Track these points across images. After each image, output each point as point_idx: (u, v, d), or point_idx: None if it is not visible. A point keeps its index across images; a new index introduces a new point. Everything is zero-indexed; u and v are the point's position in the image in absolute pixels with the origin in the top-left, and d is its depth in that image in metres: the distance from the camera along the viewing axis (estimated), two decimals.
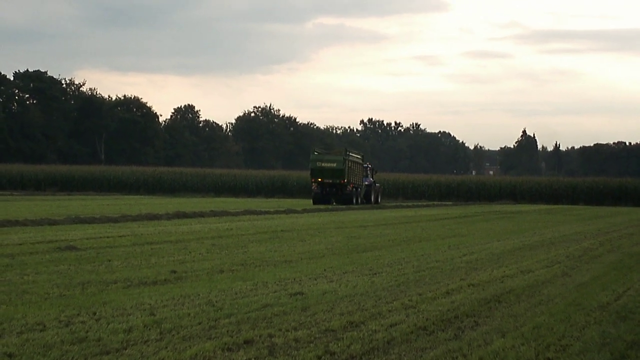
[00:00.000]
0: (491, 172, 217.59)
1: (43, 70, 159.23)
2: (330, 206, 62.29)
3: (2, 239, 25.74)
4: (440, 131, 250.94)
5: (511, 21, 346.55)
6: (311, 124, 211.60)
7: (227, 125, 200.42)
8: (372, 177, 73.17)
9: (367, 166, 72.85)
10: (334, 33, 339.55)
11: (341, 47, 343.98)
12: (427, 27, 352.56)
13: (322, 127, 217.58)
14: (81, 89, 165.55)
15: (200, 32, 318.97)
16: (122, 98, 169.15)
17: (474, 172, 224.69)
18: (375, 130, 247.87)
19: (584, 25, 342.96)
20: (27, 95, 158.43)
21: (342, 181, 65.67)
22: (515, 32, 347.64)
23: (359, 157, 71.28)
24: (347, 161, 66.10)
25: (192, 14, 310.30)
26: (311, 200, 68.41)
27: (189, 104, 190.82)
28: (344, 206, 63.22)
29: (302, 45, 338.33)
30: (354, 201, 66.81)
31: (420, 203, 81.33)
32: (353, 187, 66.90)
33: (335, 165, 65.86)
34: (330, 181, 65.95)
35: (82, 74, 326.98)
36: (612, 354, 11.39)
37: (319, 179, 66.49)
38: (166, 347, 11.06)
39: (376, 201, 72.44)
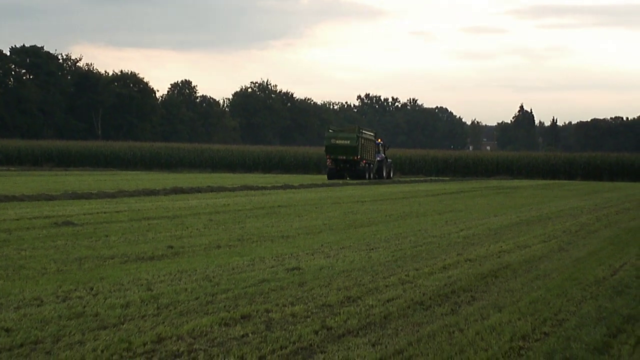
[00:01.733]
0: (488, 148, 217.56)
1: (40, 46, 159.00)
2: (327, 182, 62.38)
3: None
4: (437, 106, 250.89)
5: None
6: (308, 99, 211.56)
7: (224, 101, 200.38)
8: (384, 153, 75.43)
9: (380, 143, 75.25)
10: (330, 8, 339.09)
11: (337, 23, 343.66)
12: (423, 3, 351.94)
13: (319, 102, 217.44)
14: (78, 64, 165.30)
15: (196, 7, 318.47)
16: (119, 73, 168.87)
17: (471, 148, 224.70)
18: (372, 106, 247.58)
19: (580, 0, 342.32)
20: (23, 71, 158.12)
21: (355, 157, 68.49)
22: (511, 7, 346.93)
23: (371, 134, 73.91)
24: (360, 138, 68.88)
25: None
26: (307, 176, 70.26)
27: (185, 80, 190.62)
28: (340, 181, 63.36)
29: (298, 21, 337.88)
30: (367, 176, 69.66)
31: (417, 178, 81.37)
32: (366, 163, 69.91)
33: (348, 142, 68.57)
34: (344, 157, 68.84)
35: (78, 50, 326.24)
36: (608, 328, 11.42)
37: (333, 156, 69.37)
38: (163, 322, 11.08)
39: (388, 176, 75.09)
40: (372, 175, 70.97)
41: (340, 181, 64.21)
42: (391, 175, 76.47)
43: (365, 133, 71.61)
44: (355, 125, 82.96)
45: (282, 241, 20.82)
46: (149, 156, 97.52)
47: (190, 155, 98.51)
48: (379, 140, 76.03)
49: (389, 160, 77.30)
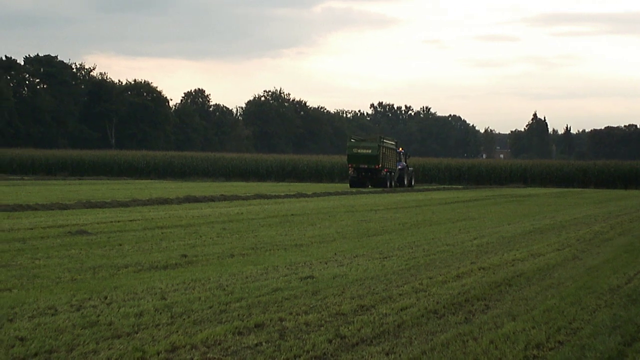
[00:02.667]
0: (502, 156, 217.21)
1: (53, 55, 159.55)
2: (340, 190, 62.42)
3: (14, 224, 25.82)
4: (450, 115, 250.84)
5: (518, 4, 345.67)
6: (321, 108, 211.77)
7: (237, 110, 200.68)
8: (405, 162, 77.44)
9: (401, 151, 77.04)
10: (342, 17, 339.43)
11: (349, 31, 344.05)
12: (435, 11, 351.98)
13: (332, 111, 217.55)
14: (91, 73, 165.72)
15: (209, 16, 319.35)
16: (133, 82, 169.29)
17: (484, 156, 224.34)
18: (385, 114, 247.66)
19: (592, 8, 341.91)
20: (37, 80, 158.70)
21: (377, 166, 70.16)
22: (524, 15, 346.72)
23: (392, 143, 75.56)
24: (381, 147, 70.51)
25: None
26: (321, 184, 71.00)
27: (199, 88, 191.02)
28: (354, 190, 63.44)
29: (311, 30, 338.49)
30: (389, 184, 71.18)
31: (430, 187, 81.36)
32: (387, 171, 71.40)
33: (370, 151, 70.28)
34: (366, 166, 70.53)
35: (90, 59, 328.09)
36: (622, 336, 11.38)
37: (355, 164, 71.04)
38: (177, 331, 11.09)
39: (409, 184, 76.98)
40: (393, 184, 72.54)
41: (354, 190, 64.36)
42: (412, 184, 78.12)
43: (386, 142, 73.09)
44: (376, 134, 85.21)
45: (296, 250, 20.82)
46: (162, 165, 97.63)
47: (203, 164, 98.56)
48: (400, 149, 77.72)
49: (410, 168, 79.20)
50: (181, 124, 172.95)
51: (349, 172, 72.61)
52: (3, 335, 10.72)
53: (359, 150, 70.88)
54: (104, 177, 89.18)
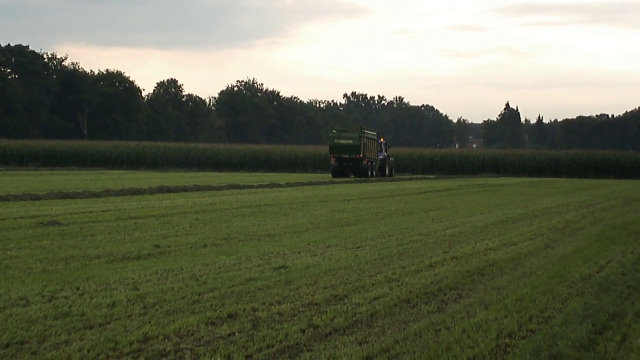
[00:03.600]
0: (474, 145, 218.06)
1: (25, 45, 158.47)
2: (313, 180, 62.41)
3: None
4: (423, 104, 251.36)
5: None
6: (294, 98, 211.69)
7: (210, 100, 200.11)
8: (386, 152, 79.14)
9: (382, 142, 78.89)
10: (314, 7, 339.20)
11: (321, 22, 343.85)
12: (406, 1, 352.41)
13: (305, 101, 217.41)
14: (63, 63, 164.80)
15: (180, 6, 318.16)
16: (105, 72, 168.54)
17: (457, 145, 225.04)
18: (358, 104, 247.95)
19: None
20: (8, 70, 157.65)
21: (358, 156, 71.71)
22: (496, 5, 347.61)
23: (374, 133, 77.07)
24: (362, 138, 72.01)
25: None
26: (294, 174, 71.40)
27: (171, 78, 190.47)
28: (326, 180, 63.41)
29: (282, 20, 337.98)
30: (370, 174, 72.72)
31: (403, 176, 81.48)
32: (368, 161, 73.03)
33: (351, 141, 71.74)
34: (347, 156, 72.12)
35: (62, 49, 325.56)
36: (594, 325, 11.44)
37: (337, 154, 72.67)
38: (150, 322, 11.06)
39: (390, 174, 78.30)
40: (374, 173, 74.02)
41: (327, 179, 64.32)
42: (392, 174, 79.50)
43: (367, 133, 74.53)
44: (358, 125, 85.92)
45: (269, 240, 20.81)
46: (135, 155, 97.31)
47: (176, 154, 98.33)
48: (382, 139, 79.39)
49: (391, 158, 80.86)
50: (154, 114, 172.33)
51: (331, 162, 74.12)
52: None
53: (340, 141, 72.17)
54: (76, 168, 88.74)
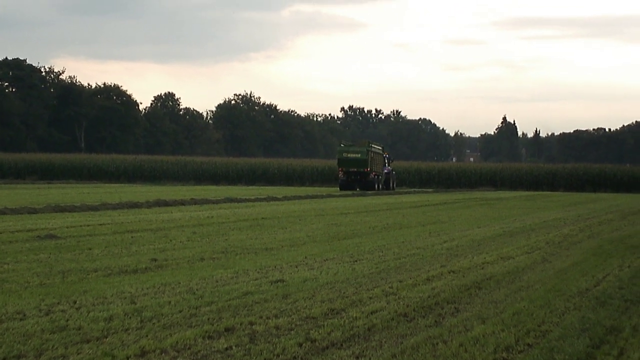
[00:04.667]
0: (471, 159, 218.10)
1: (22, 59, 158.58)
2: (310, 193, 62.48)
3: None
4: (420, 118, 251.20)
5: (487, 7, 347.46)
6: (292, 111, 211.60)
7: (207, 113, 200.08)
8: (389, 166, 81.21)
9: (386, 156, 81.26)
10: (311, 20, 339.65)
11: (318, 35, 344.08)
12: (404, 15, 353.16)
13: (302, 114, 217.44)
14: (60, 76, 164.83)
15: (177, 20, 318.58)
16: (102, 86, 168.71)
17: (454, 159, 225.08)
18: (356, 118, 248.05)
19: (560, 12, 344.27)
20: (6, 84, 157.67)
21: (366, 169, 73.79)
22: (493, 19, 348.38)
23: (379, 148, 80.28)
24: (369, 152, 74.35)
25: (168, 1, 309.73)
26: (291, 188, 72.41)
27: (169, 92, 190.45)
28: (324, 193, 63.47)
29: (279, 33, 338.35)
30: (376, 187, 74.93)
31: (401, 190, 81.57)
32: (375, 174, 75.34)
33: (359, 155, 73.84)
34: (355, 169, 74.16)
35: (59, 63, 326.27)
36: (591, 339, 11.45)
37: (345, 168, 74.70)
38: (147, 336, 11.05)
39: (393, 187, 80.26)
40: (380, 186, 75.91)
41: (324, 193, 64.45)
42: (394, 187, 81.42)
43: (374, 147, 77.16)
44: (365, 140, 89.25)
45: (266, 253, 20.80)
46: (132, 169, 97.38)
47: (173, 167, 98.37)
48: (386, 153, 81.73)
49: (393, 172, 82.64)
50: (151, 128, 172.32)
51: (339, 175, 76.04)
52: None
53: (349, 155, 74.13)
54: (73, 181, 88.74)
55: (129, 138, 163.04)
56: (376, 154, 76.88)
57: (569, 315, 13.20)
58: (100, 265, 17.67)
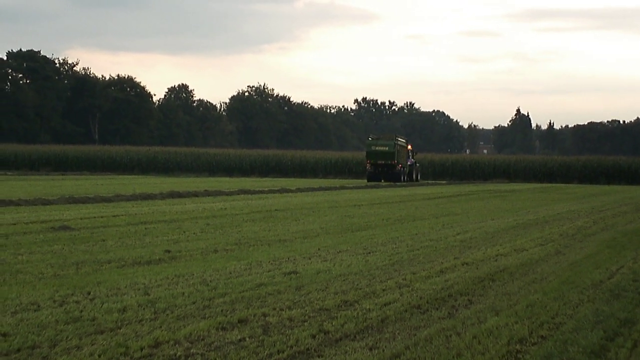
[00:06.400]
0: (485, 151, 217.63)
1: (36, 50, 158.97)
2: (323, 185, 62.51)
3: None
4: (434, 110, 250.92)
5: (502, 0, 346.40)
6: (305, 103, 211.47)
7: (221, 105, 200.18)
8: (413, 158, 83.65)
9: (410, 149, 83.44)
10: (324, 12, 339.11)
11: (332, 27, 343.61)
12: (417, 6, 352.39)
13: (316, 106, 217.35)
14: (74, 68, 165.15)
15: (189, 11, 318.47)
16: (116, 78, 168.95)
17: (468, 151, 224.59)
18: (369, 110, 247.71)
19: (574, 3, 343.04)
20: (20, 75, 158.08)
21: (393, 162, 76.57)
22: (507, 11, 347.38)
23: (404, 141, 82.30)
24: (396, 145, 77.04)
25: None
26: (304, 180, 74.41)
27: (182, 84, 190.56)
28: (337, 185, 63.46)
29: (293, 25, 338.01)
30: (402, 179, 77.52)
31: (424, 181, 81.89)
32: (401, 167, 77.98)
33: (387, 148, 76.57)
34: (383, 162, 76.74)
35: (73, 54, 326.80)
36: (605, 331, 11.42)
37: (373, 160, 77.13)
38: (160, 327, 11.07)
39: (416, 179, 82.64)
40: (405, 178, 78.61)
41: (337, 185, 64.47)
42: (418, 178, 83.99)
43: (399, 140, 79.59)
44: (392, 133, 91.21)
45: (279, 245, 20.81)
46: (145, 160, 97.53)
47: (187, 159, 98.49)
48: (409, 146, 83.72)
49: (417, 164, 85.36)
50: (165, 119, 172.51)
51: (367, 167, 78.48)
52: None
53: (377, 148, 76.51)
54: (87, 173, 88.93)
55: (142, 130, 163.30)
56: (401, 146, 79.24)
57: (583, 307, 13.17)
58: (114, 257, 17.71)
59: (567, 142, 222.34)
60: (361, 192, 53.24)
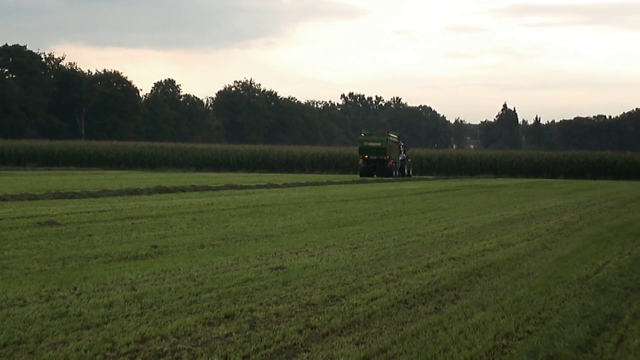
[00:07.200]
0: (472, 146, 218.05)
1: (22, 45, 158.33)
2: (310, 180, 62.49)
3: None
4: (421, 105, 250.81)
5: None
6: (292, 98, 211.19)
7: (207, 100, 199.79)
8: (405, 153, 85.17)
9: (401, 144, 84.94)
10: (311, 7, 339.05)
11: (318, 22, 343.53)
12: (405, 2, 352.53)
13: (303, 101, 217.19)
14: (60, 63, 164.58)
15: (177, 6, 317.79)
16: (102, 73, 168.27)
17: (454, 146, 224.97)
18: (356, 105, 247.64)
19: None
20: (6, 70, 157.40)
21: (385, 157, 78.16)
22: (493, 6, 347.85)
23: (395, 136, 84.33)
24: (388, 140, 78.99)
25: None
26: (291, 174, 75.05)
27: (169, 79, 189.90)
28: (324, 180, 63.45)
29: (279, 20, 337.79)
30: (394, 174, 79.01)
31: (416, 176, 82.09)
32: (393, 162, 79.58)
33: (379, 144, 78.44)
34: (375, 157, 78.47)
35: (59, 49, 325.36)
36: (591, 326, 11.45)
37: (366, 156, 78.81)
38: (147, 322, 11.06)
39: (408, 174, 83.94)
40: (397, 173, 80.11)
41: (324, 180, 64.41)
42: (410, 173, 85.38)
43: (391, 136, 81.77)
44: (384, 129, 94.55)
45: (266, 240, 20.80)
46: (132, 155, 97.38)
47: (174, 154, 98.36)
48: (401, 142, 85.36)
49: (409, 159, 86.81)
50: (151, 115, 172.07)
51: (359, 163, 79.86)
52: None
53: (369, 143, 78.39)
54: (73, 168, 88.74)
55: (129, 125, 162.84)
56: (393, 142, 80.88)
57: (569, 302, 13.20)
58: (100, 252, 17.68)
59: (554, 137, 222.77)
60: (348, 187, 53.26)
